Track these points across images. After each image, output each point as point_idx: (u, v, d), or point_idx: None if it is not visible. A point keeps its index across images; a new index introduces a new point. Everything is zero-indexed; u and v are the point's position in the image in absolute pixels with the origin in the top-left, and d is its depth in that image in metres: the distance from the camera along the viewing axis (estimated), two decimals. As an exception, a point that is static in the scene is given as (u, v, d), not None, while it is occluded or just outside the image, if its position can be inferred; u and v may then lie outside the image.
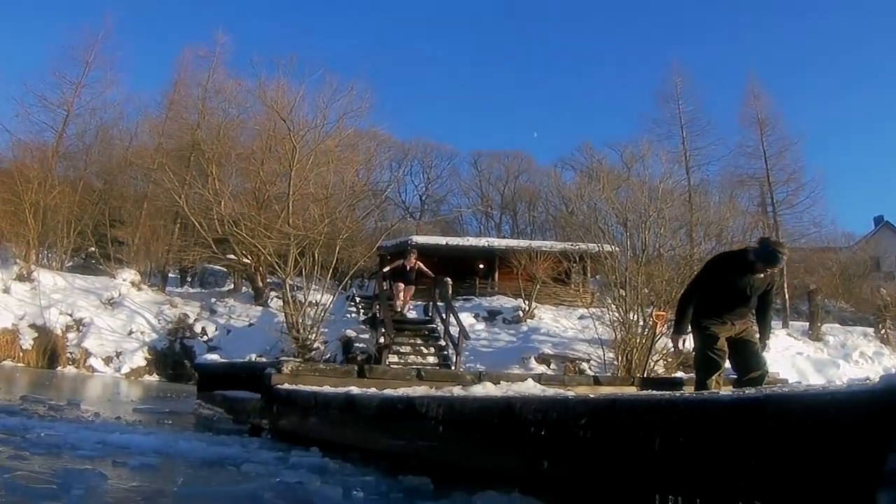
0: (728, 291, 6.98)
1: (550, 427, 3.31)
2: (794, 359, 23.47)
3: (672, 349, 7.50)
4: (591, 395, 3.98)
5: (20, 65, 72.33)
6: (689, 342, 7.40)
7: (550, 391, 5.74)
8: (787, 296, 29.36)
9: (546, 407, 3.39)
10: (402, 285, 22.06)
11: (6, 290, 25.47)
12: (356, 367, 8.57)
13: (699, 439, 2.61)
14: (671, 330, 7.92)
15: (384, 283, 23.58)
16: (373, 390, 6.32)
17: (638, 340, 20.63)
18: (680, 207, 26.78)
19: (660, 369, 19.53)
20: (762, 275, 6.99)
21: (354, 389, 6.48)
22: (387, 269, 23.96)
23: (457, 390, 5.87)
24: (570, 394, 5.55)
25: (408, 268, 21.57)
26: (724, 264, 7.25)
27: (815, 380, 20.79)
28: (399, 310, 22.13)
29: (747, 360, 7.10)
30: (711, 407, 2.63)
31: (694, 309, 7.15)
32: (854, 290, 35.26)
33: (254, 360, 16.23)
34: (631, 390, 8.72)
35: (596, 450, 3.07)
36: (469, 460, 4.16)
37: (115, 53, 38.03)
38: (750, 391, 3.22)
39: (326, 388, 6.83)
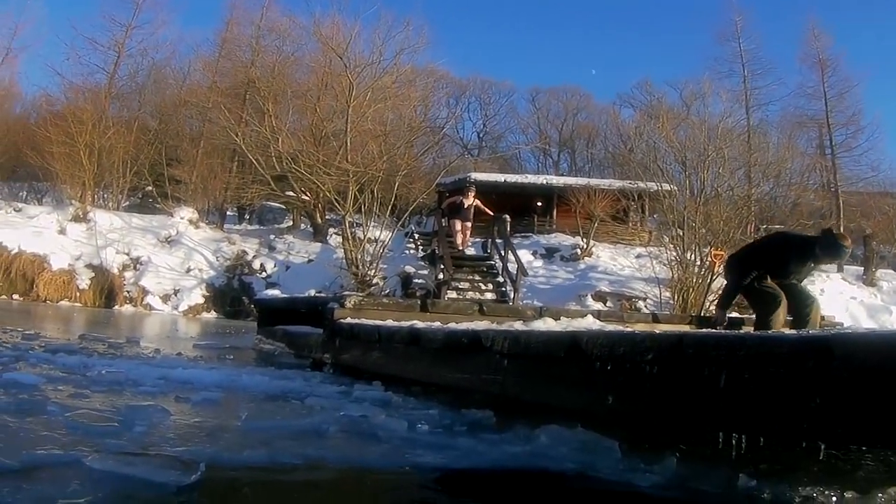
0: (777, 270, 7.13)
1: (616, 362, 3.32)
2: (848, 303, 23.27)
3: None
4: (657, 332, 3.98)
5: (68, 9, 72.60)
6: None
7: (610, 327, 5.76)
8: (842, 239, 28.86)
9: (612, 342, 3.39)
10: (458, 223, 21.89)
11: (62, 231, 26.02)
12: (419, 301, 8.60)
13: (764, 377, 2.60)
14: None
15: (443, 220, 23.62)
16: (437, 324, 6.35)
17: (694, 280, 20.55)
18: (739, 147, 26.48)
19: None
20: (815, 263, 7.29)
21: (418, 323, 6.50)
22: (444, 204, 23.93)
23: (518, 325, 5.91)
24: (630, 329, 5.58)
25: (465, 205, 21.29)
26: (789, 251, 7.34)
27: (868, 325, 20.56)
28: (459, 247, 22.09)
29: (796, 297, 7.17)
30: (778, 345, 2.61)
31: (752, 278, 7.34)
32: (910, 236, 34.59)
33: (314, 295, 16.44)
34: (688, 329, 8.72)
35: (662, 385, 3.09)
36: (532, 394, 4.19)
37: (165, -5, 38.42)
38: (815, 331, 3.23)
39: (390, 322, 6.84)
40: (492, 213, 22.04)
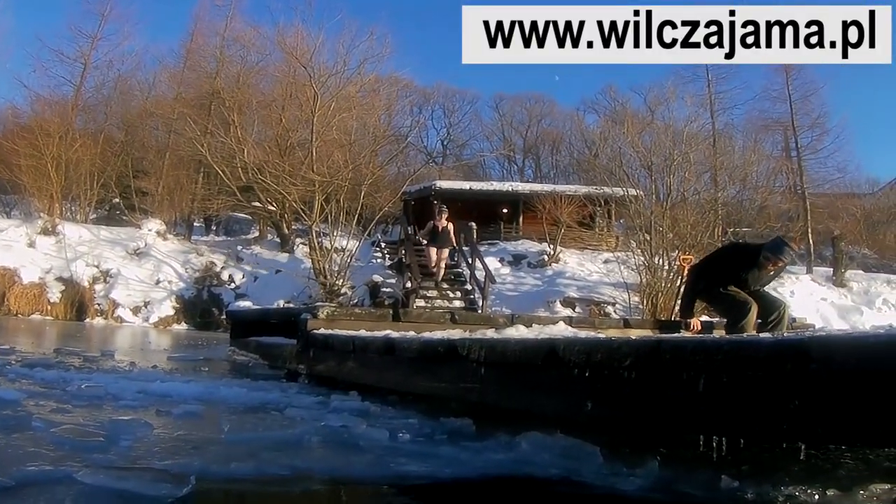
0: (730, 278, 7.25)
1: (594, 368, 3.32)
2: (818, 304, 23.49)
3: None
4: (633, 337, 4.00)
5: (34, 20, 71.71)
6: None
7: (583, 334, 5.79)
8: (810, 241, 29.23)
9: (590, 348, 3.40)
10: (434, 250, 19.89)
11: (31, 245, 25.82)
12: (391, 311, 8.57)
13: (743, 381, 2.62)
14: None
15: (409, 228, 23.31)
16: (411, 334, 6.37)
17: (663, 284, 20.70)
18: (704, 151, 26.66)
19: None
20: (771, 272, 7.29)
21: (392, 333, 6.52)
22: (420, 234, 21.76)
23: (490, 333, 5.91)
24: (604, 335, 5.61)
25: (440, 228, 19.21)
26: (738, 259, 7.51)
27: (839, 326, 20.77)
28: (435, 276, 20.70)
29: (764, 301, 7.28)
30: (755, 348, 2.63)
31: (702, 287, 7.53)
32: (878, 236, 35.30)
33: (282, 306, 16.38)
34: (657, 333, 8.77)
35: (641, 391, 3.10)
36: (511, 402, 4.20)
37: (130, 6, 38.23)
38: (792, 334, 3.25)
39: (363, 332, 6.88)
40: (455, 246, 20.81)
